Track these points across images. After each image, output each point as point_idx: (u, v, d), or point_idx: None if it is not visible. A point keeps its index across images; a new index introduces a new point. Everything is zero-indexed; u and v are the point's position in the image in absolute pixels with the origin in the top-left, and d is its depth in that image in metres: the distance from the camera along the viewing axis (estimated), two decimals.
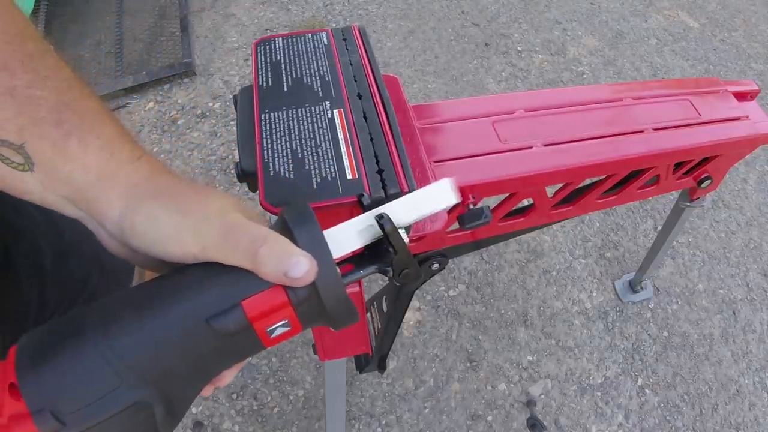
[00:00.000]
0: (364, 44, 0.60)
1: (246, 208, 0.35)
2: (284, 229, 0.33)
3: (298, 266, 0.30)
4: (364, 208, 0.40)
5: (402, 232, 0.37)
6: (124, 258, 0.35)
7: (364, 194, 0.42)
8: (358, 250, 0.38)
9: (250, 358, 1.20)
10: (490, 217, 0.58)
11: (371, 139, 0.51)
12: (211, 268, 0.32)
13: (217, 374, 0.35)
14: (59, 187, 0.31)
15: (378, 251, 0.38)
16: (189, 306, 0.31)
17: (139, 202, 0.32)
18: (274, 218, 0.39)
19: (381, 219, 0.36)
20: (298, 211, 0.34)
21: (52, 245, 0.62)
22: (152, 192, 0.33)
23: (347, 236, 0.37)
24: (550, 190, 0.72)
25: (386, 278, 0.84)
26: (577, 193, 0.77)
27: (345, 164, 0.49)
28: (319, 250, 0.32)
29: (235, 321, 0.31)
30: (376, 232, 0.37)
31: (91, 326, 0.30)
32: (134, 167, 0.33)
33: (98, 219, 0.33)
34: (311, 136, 0.51)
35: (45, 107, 0.30)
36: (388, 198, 0.47)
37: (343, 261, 0.37)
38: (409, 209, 0.38)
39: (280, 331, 0.33)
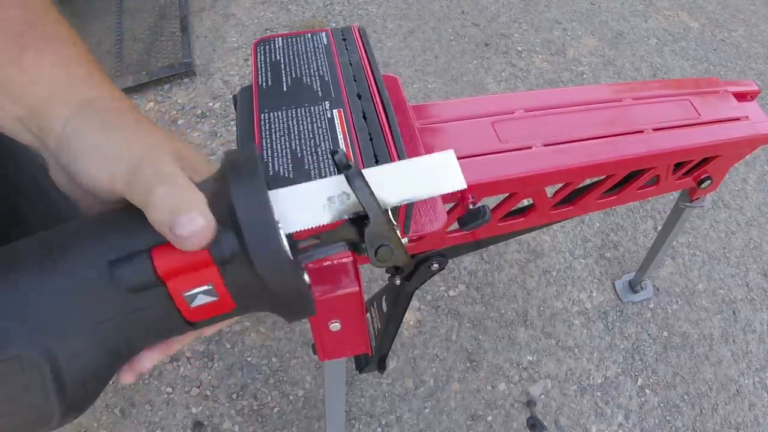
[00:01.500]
0: (363, 44, 0.60)
1: (187, 152, 0.31)
2: (220, 178, 0.28)
3: (190, 223, 0.25)
4: (339, 169, 0.30)
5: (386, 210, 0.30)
6: (67, 193, 0.32)
7: (339, 150, 0.31)
8: (328, 226, 0.30)
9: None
10: (489, 217, 0.58)
11: (371, 139, 0.51)
12: (124, 211, 0.27)
13: (131, 350, 0.29)
14: (13, 107, 0.30)
15: (355, 224, 0.31)
16: (91, 250, 0.27)
17: (81, 116, 0.30)
18: None
19: (347, 170, 0.29)
20: (240, 159, 0.28)
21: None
22: (97, 109, 0.30)
23: (312, 203, 0.30)
24: (550, 190, 0.72)
25: (386, 278, 0.84)
26: (577, 193, 0.77)
27: None
28: (257, 208, 0.26)
29: (140, 272, 0.26)
30: (354, 204, 0.30)
31: None
32: (87, 86, 0.31)
33: (45, 140, 0.30)
34: (311, 136, 0.51)
35: (10, 23, 0.30)
36: None
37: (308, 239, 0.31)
38: (400, 183, 0.31)
39: (203, 299, 0.27)
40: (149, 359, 0.31)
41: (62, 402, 0.27)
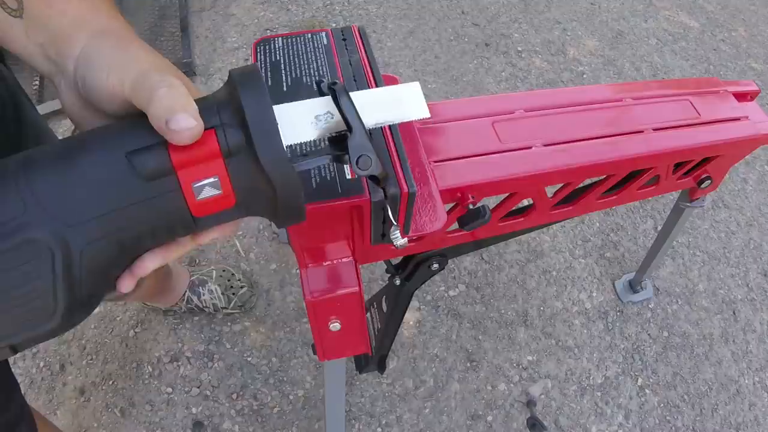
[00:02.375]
0: (363, 44, 0.60)
1: (186, 80, 0.34)
2: (227, 87, 0.31)
3: (184, 120, 0.28)
4: (321, 93, 0.35)
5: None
6: (74, 118, 0.36)
7: (323, 80, 0.36)
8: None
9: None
10: (489, 217, 0.58)
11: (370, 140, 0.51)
12: (135, 116, 0.30)
13: (138, 249, 0.32)
14: (38, 34, 0.34)
15: (337, 141, 0.34)
16: (111, 143, 0.29)
17: (100, 39, 0.33)
18: None
19: (334, 85, 0.33)
20: (246, 71, 0.31)
21: None
22: (113, 35, 0.34)
23: (301, 120, 0.33)
24: (550, 190, 0.72)
25: (386, 278, 0.84)
26: (577, 193, 0.77)
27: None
28: (263, 108, 0.29)
29: (157, 160, 0.29)
30: (337, 123, 0.33)
31: (15, 160, 0.29)
32: (107, 17, 0.35)
33: (62, 64, 0.34)
34: None
35: None
36: (388, 199, 0.47)
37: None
38: (373, 106, 0.35)
39: (208, 192, 0.30)
40: (150, 260, 0.33)
41: (69, 294, 0.29)
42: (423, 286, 0.87)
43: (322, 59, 0.58)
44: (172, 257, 0.35)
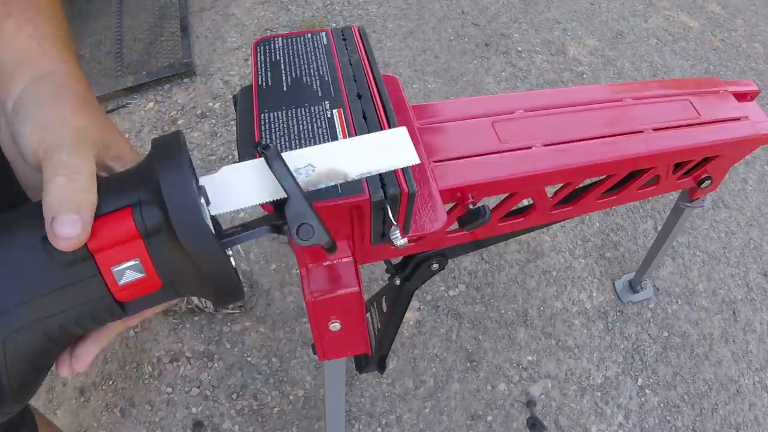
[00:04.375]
0: (363, 44, 0.60)
1: (117, 142, 0.32)
2: (149, 159, 0.29)
3: (68, 226, 0.26)
4: (267, 160, 0.31)
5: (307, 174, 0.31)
6: (8, 156, 0.34)
7: (261, 143, 0.32)
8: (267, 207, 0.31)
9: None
10: (489, 217, 0.58)
11: None
12: None
13: (66, 337, 0.30)
14: None
15: (278, 207, 0.31)
16: (29, 226, 0.28)
17: (38, 85, 0.32)
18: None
19: (266, 149, 0.30)
20: (167, 141, 0.29)
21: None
22: (53, 82, 0.32)
23: (243, 184, 0.31)
24: (550, 190, 0.72)
25: (386, 278, 0.84)
26: (577, 193, 0.77)
27: None
28: (180, 183, 0.27)
29: None
30: (278, 188, 0.30)
31: None
32: (52, 61, 0.33)
33: (4, 101, 0.32)
34: (310, 136, 0.51)
35: None
36: (388, 199, 0.47)
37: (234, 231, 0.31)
38: (358, 155, 0.32)
39: (131, 276, 0.28)
40: (86, 353, 0.32)
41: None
42: (423, 286, 0.87)
43: (322, 59, 0.58)
44: (105, 342, 0.33)
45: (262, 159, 0.31)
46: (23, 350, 0.28)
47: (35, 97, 0.31)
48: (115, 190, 0.29)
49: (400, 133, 0.33)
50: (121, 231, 0.27)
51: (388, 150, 0.33)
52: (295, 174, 0.31)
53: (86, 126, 0.31)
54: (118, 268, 0.28)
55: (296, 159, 0.32)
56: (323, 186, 0.32)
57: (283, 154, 0.31)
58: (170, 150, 0.29)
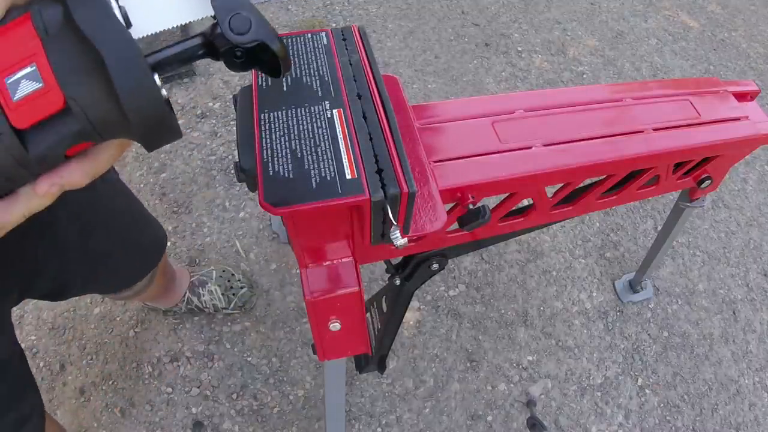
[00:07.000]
0: (363, 44, 0.60)
1: None
2: None
3: None
4: None
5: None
6: None
7: None
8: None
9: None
10: (489, 217, 0.58)
11: (370, 139, 0.51)
12: None
13: None
14: None
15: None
16: None
17: None
18: None
19: None
20: None
21: (78, 218, 0.65)
22: None
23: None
24: (550, 190, 0.72)
25: (386, 278, 0.84)
26: (577, 193, 0.77)
27: (344, 164, 0.49)
28: None
29: None
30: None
31: None
32: None
33: None
34: (310, 136, 0.51)
35: None
36: (388, 199, 0.47)
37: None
38: None
39: (26, 88, 0.23)
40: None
41: None
42: (423, 286, 0.87)
43: (322, 59, 0.58)
44: (10, 221, 0.27)
45: None
46: None
47: None
48: (22, 5, 0.25)
49: None
50: (18, 34, 0.23)
51: None
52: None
53: None
54: (12, 79, 0.23)
55: None
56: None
57: None
58: None
